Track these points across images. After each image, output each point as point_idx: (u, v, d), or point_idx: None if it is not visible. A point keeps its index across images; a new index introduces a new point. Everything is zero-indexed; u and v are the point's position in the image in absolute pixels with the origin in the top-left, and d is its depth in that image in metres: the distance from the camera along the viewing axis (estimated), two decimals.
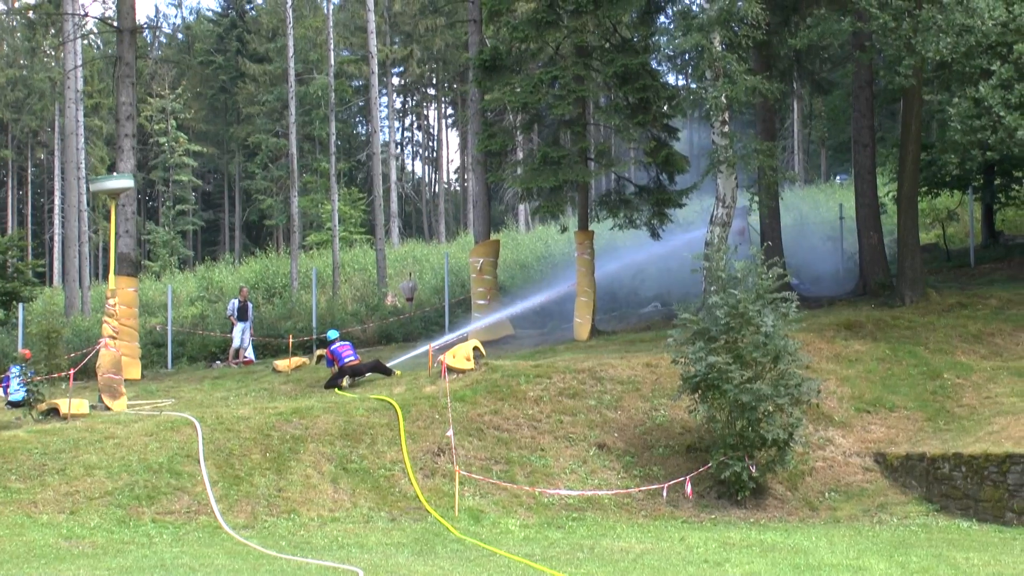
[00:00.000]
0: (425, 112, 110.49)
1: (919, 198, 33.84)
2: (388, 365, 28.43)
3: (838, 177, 66.97)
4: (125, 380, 27.10)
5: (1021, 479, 19.10)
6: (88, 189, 55.77)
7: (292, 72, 54.38)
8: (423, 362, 27.87)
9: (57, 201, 79.58)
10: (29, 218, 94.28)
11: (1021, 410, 22.11)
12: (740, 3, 27.65)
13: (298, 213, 55.67)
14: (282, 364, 31.62)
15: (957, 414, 23.50)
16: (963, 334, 27.28)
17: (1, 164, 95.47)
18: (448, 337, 33.60)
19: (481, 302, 35.17)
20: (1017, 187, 39.65)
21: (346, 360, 27.65)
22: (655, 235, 34.08)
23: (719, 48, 28.79)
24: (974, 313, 28.66)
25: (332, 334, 29.26)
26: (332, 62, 60.03)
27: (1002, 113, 25.13)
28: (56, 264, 79.25)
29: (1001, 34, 25.11)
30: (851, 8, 27.70)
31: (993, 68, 25.40)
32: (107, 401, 25.10)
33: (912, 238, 30.41)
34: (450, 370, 25.14)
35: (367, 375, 27.86)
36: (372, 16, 54.56)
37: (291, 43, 54.64)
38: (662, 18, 36.59)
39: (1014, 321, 27.88)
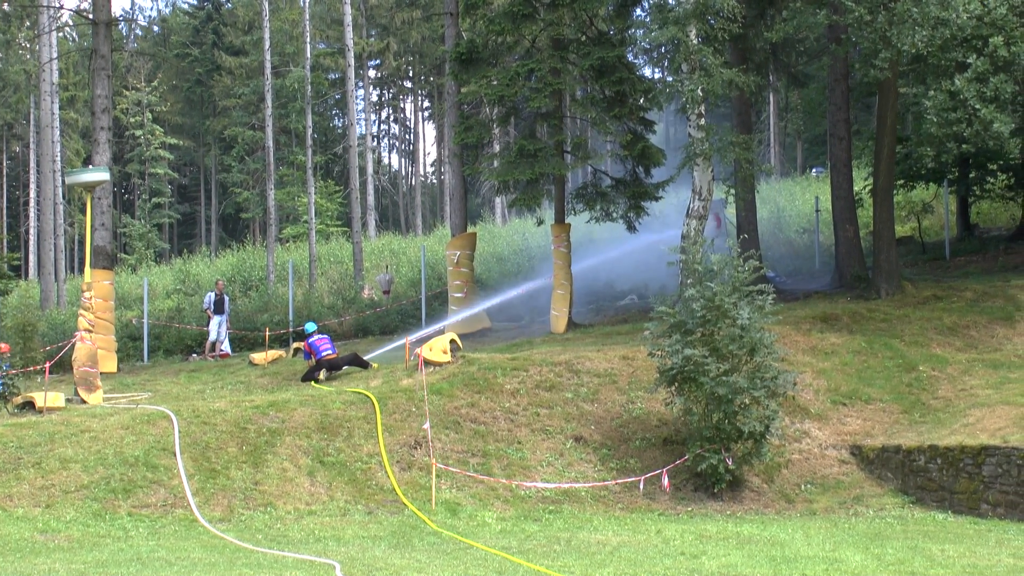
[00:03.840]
0: (402, 105, 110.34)
1: (895, 191, 33.95)
2: (365, 359, 28.41)
3: (814, 170, 67.07)
4: (101, 373, 27.02)
5: (996, 471, 19.19)
6: (63, 182, 55.65)
7: (268, 65, 54.26)
8: (400, 355, 27.85)
9: (32, 194, 79.22)
10: (4, 211, 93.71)
11: (996, 402, 22.21)
12: None
13: (274, 206, 55.60)
14: (259, 357, 31.57)
15: (933, 406, 23.60)
16: (938, 327, 27.39)
17: None
18: (425, 331, 33.57)
19: (458, 295, 35.14)
20: (992, 180, 39.82)
21: (323, 353, 27.60)
22: (631, 228, 34.13)
23: (695, 41, 28.81)
24: (949, 306, 28.76)
25: (310, 327, 29.20)
26: (308, 55, 59.94)
27: (977, 106, 25.20)
28: (31, 257, 78.96)
29: (976, 27, 25.17)
30: (826, 1, 27.77)
31: (968, 61, 25.46)
32: (83, 394, 25.02)
33: (888, 231, 30.51)
34: (427, 363, 25.12)
35: (344, 368, 27.85)
36: (348, 9, 54.60)
37: (267, 36, 54.55)
38: (638, 11, 36.65)
39: (989, 313, 28.00)
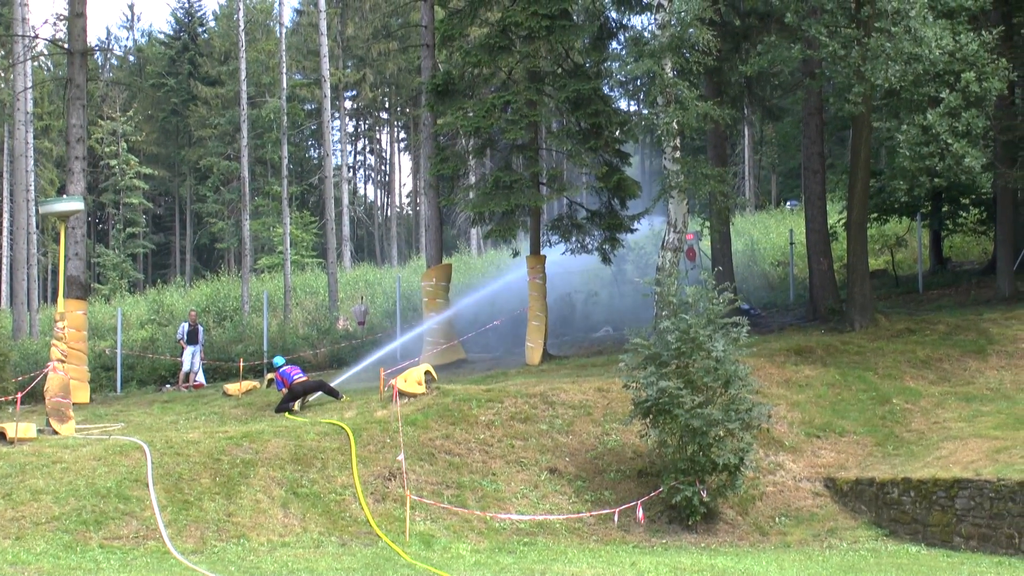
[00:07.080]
0: (378, 136, 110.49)
1: (868, 224, 34.12)
2: (333, 385, 28.44)
3: (788, 203, 67.43)
4: (73, 404, 26.80)
5: (969, 504, 19.25)
6: (37, 211, 55.39)
7: (244, 95, 54.34)
8: (374, 385, 27.79)
9: (6, 223, 78.75)
10: None
11: (968, 435, 22.28)
12: (691, 30, 27.80)
13: (249, 236, 55.59)
14: (233, 388, 31.45)
15: (906, 439, 23.66)
16: (912, 359, 27.49)
17: None
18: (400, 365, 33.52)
19: (433, 326, 35.12)
20: (964, 214, 40.09)
21: (294, 378, 27.48)
22: (606, 260, 34.20)
23: (671, 74, 28.94)
24: (922, 339, 28.87)
25: (278, 361, 29.01)
26: (284, 85, 59.99)
27: (949, 141, 25.41)
28: (4, 287, 78.46)
29: (948, 63, 25.41)
30: (801, 36, 27.97)
31: (941, 96, 25.69)
32: (55, 425, 24.84)
33: (861, 264, 30.61)
34: (401, 394, 25.06)
35: (316, 395, 27.78)
36: (325, 40, 54.68)
37: (243, 66, 54.66)
38: (614, 44, 36.80)
39: (961, 347, 28.12)
